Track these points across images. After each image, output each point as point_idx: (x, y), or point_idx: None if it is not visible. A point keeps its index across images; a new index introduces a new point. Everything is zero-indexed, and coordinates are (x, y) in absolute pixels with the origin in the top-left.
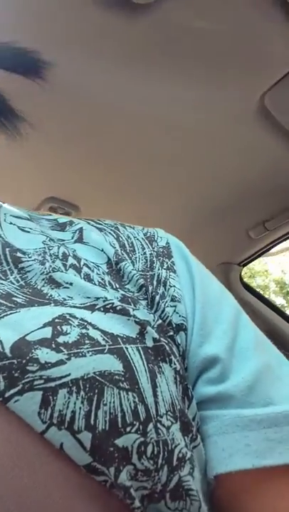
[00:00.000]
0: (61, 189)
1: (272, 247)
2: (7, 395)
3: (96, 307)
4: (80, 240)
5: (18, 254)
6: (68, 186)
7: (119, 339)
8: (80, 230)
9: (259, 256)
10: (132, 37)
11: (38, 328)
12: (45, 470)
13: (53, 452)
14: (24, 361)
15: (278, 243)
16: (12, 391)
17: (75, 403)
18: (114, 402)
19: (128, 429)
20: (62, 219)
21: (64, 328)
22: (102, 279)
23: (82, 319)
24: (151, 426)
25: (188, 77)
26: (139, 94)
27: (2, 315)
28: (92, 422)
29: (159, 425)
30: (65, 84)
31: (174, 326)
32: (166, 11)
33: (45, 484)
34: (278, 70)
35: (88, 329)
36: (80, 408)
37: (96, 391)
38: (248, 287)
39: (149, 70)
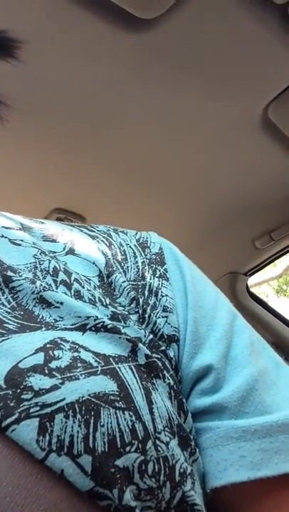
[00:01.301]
0: (67, 200)
1: (279, 256)
2: (4, 424)
3: (87, 327)
4: (71, 251)
5: (9, 273)
6: (74, 197)
7: (111, 359)
8: (72, 239)
9: (265, 266)
10: (137, 50)
11: (30, 355)
12: (49, 497)
13: (55, 478)
14: (19, 390)
15: (285, 253)
16: (9, 420)
17: (72, 427)
18: (111, 423)
19: (127, 448)
20: (56, 227)
21: (56, 352)
22: (93, 295)
23: (73, 342)
24: (150, 443)
25: (193, 90)
26: (143, 106)
27: None
28: (90, 444)
29: (158, 442)
30: (71, 98)
31: (166, 337)
32: (170, 25)
33: (51, 511)
34: (281, 81)
35: (80, 352)
36: (78, 432)
37: (92, 413)
38: (254, 297)
39: (155, 83)
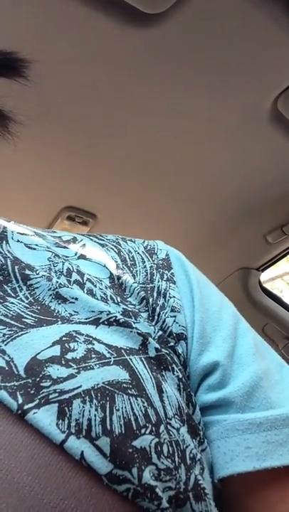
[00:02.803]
0: (78, 198)
1: None
2: (25, 407)
3: (100, 321)
4: (83, 256)
5: (27, 272)
6: (85, 195)
7: (123, 351)
8: (83, 246)
9: (278, 260)
10: (143, 46)
11: (47, 347)
12: (68, 486)
13: (75, 467)
14: (38, 379)
15: None
16: (30, 405)
17: (89, 411)
18: (125, 407)
19: (142, 430)
20: (66, 236)
21: (71, 345)
22: (104, 293)
23: (87, 335)
24: (162, 427)
25: (200, 86)
26: (152, 104)
27: (14, 336)
28: (108, 427)
29: (169, 427)
30: (78, 97)
31: (175, 335)
32: (176, 20)
33: (70, 500)
34: None
35: (94, 344)
36: (95, 415)
37: (108, 398)
38: (267, 292)
39: (162, 80)
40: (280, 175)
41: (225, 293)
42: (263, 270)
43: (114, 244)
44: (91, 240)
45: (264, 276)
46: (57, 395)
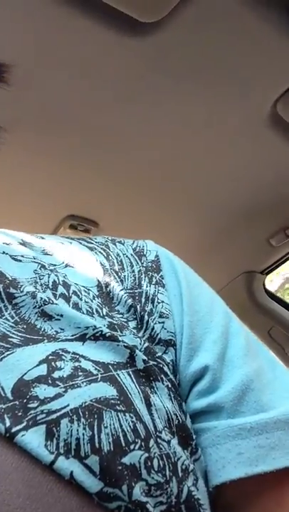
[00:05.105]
0: (80, 207)
1: None
2: (13, 430)
3: (87, 336)
4: (70, 264)
5: (11, 290)
6: (87, 204)
7: (110, 366)
8: (72, 252)
9: (282, 263)
10: (141, 55)
11: (34, 367)
12: (59, 507)
13: (66, 487)
14: (25, 400)
15: None
16: (18, 427)
17: (77, 430)
18: (114, 424)
19: (132, 446)
20: (55, 241)
21: (58, 363)
22: (90, 306)
23: (74, 353)
24: (152, 442)
25: (199, 92)
26: (151, 112)
27: (0, 357)
28: (96, 445)
29: (159, 440)
30: (78, 107)
31: (163, 342)
32: (173, 28)
33: None
34: (288, 75)
35: (80, 361)
36: (84, 434)
37: (96, 416)
38: (272, 295)
39: (161, 87)
40: (282, 178)
41: (229, 297)
42: (267, 273)
43: (103, 247)
44: (80, 243)
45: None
46: (44, 415)
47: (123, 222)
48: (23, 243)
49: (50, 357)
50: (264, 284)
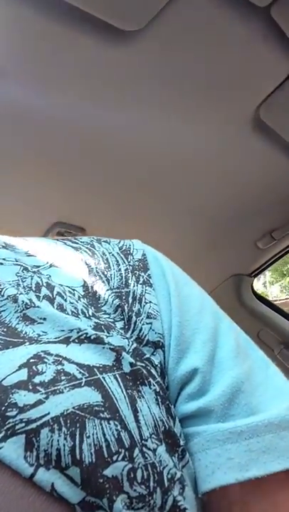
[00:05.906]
0: (67, 214)
1: (282, 255)
2: None
3: (71, 339)
4: (55, 264)
5: None
6: (74, 211)
7: (95, 370)
8: (56, 252)
9: (269, 265)
10: (123, 64)
11: (13, 372)
12: None
13: (48, 499)
14: (3, 408)
15: (287, 252)
16: None
17: (58, 440)
18: (97, 434)
19: (114, 457)
20: (39, 242)
21: (39, 367)
22: (76, 307)
23: (57, 355)
24: (137, 451)
25: (183, 99)
26: (137, 120)
27: None
28: (78, 456)
29: (144, 449)
30: (64, 118)
31: (151, 343)
32: (156, 36)
33: None
34: (269, 82)
35: (64, 364)
36: (64, 444)
37: (78, 425)
38: (260, 298)
39: (145, 96)
40: (267, 182)
41: (219, 299)
42: (255, 276)
43: (88, 246)
44: (65, 244)
45: None
46: (24, 424)
47: (110, 228)
48: (5, 246)
49: (31, 360)
50: (252, 286)
